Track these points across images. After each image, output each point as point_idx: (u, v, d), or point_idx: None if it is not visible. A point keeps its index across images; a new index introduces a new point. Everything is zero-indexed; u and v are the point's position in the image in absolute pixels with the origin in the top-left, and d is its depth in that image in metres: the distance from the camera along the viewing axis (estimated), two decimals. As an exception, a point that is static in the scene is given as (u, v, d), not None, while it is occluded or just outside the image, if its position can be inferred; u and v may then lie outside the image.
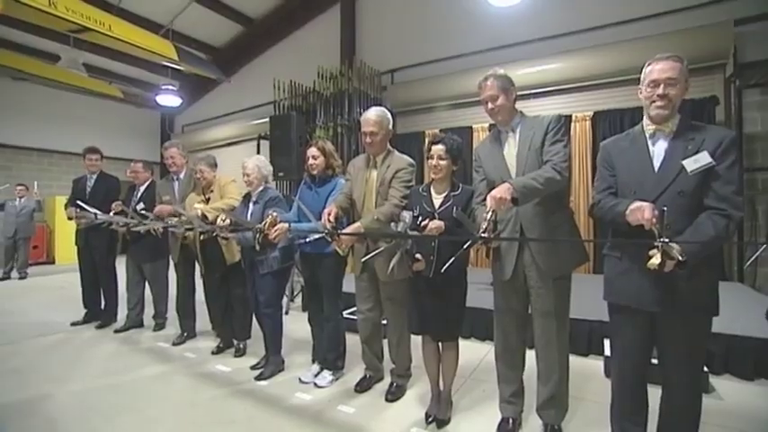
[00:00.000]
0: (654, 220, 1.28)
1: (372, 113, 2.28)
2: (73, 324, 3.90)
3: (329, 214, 2.14)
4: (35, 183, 6.75)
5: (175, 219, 2.91)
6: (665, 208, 1.26)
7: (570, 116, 5.21)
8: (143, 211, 3.21)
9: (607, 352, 2.64)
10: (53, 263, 8.36)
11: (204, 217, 2.76)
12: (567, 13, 5.47)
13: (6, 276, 6.50)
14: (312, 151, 2.54)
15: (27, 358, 3.08)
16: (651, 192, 1.44)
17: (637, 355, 1.56)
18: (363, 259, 2.15)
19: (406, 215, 1.81)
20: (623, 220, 1.41)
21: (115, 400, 2.41)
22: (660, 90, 1.45)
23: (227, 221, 2.56)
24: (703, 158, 1.38)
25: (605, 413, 1.70)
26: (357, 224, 2.13)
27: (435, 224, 1.87)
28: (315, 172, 2.55)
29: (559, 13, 5.53)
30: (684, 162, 1.40)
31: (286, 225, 2.31)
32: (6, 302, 5.06)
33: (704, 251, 1.33)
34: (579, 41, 5.30)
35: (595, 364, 2.78)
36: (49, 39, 7.10)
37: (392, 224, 1.84)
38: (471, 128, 5.92)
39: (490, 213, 1.57)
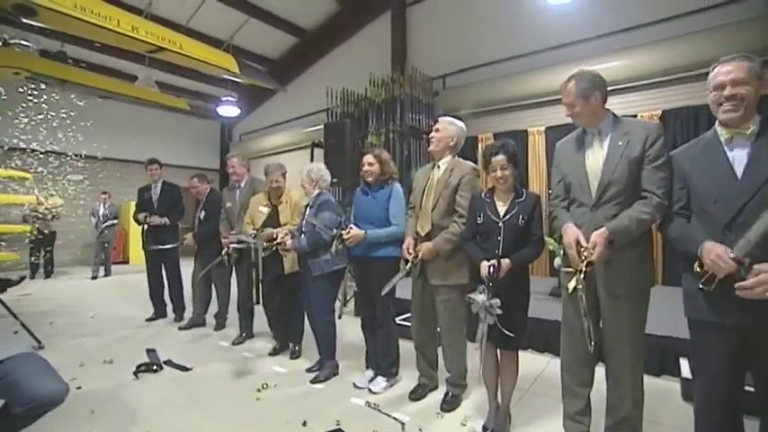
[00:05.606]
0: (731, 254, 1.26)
1: (445, 118, 2.45)
2: (148, 320, 4.27)
3: (408, 248, 2.33)
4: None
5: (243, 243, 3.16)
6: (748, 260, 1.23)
7: (635, 116, 4.88)
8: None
9: (684, 373, 2.43)
10: (128, 262, 9.17)
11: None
12: (628, 7, 5.15)
13: (95, 277, 7.32)
14: (368, 158, 2.62)
15: (110, 349, 3.36)
16: (735, 200, 1.33)
17: (726, 380, 1.39)
18: (385, 292, 2.33)
19: (479, 298, 1.79)
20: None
21: (184, 395, 2.57)
22: (726, 92, 1.36)
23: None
24: None
25: (687, 440, 1.56)
26: (430, 244, 2.26)
27: (505, 264, 1.86)
28: (369, 179, 2.61)
29: (619, 6, 5.22)
30: None
31: (362, 232, 2.48)
32: (93, 298, 5.66)
33: None
34: (643, 36, 4.97)
35: (670, 386, 2.56)
36: (127, 60, 7.91)
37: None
38: (527, 131, 5.74)
39: (585, 257, 1.58)
